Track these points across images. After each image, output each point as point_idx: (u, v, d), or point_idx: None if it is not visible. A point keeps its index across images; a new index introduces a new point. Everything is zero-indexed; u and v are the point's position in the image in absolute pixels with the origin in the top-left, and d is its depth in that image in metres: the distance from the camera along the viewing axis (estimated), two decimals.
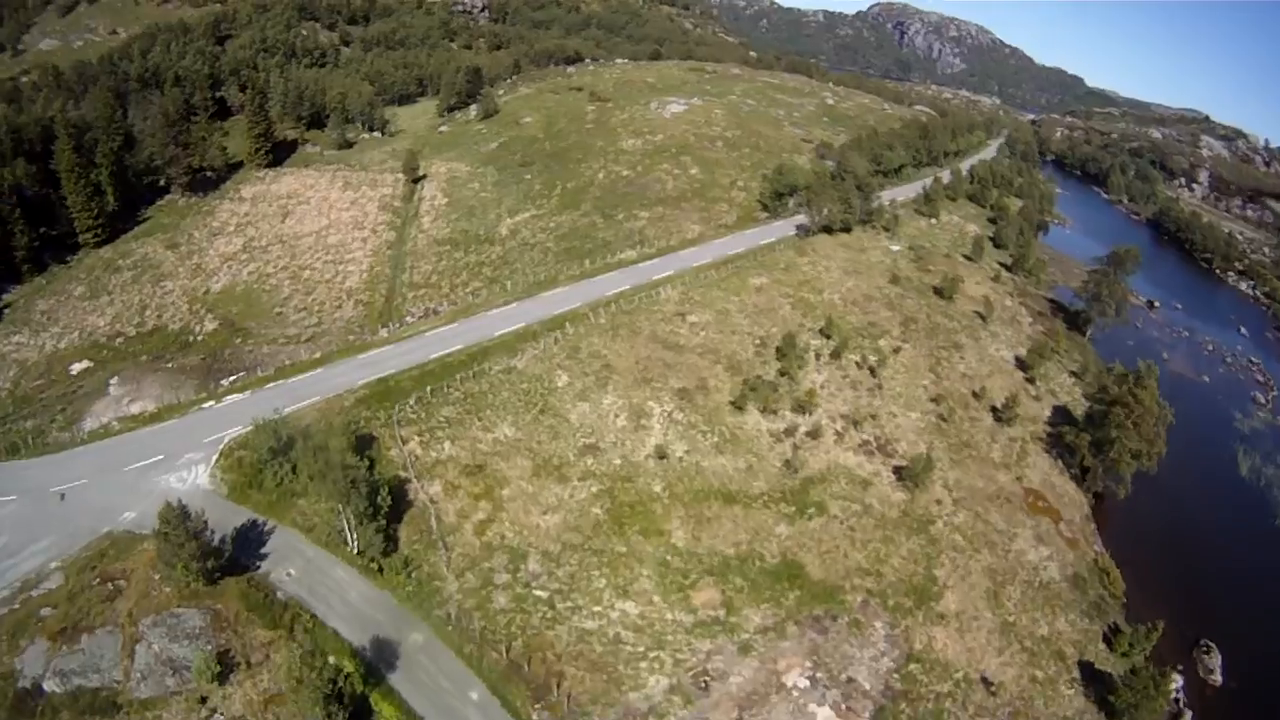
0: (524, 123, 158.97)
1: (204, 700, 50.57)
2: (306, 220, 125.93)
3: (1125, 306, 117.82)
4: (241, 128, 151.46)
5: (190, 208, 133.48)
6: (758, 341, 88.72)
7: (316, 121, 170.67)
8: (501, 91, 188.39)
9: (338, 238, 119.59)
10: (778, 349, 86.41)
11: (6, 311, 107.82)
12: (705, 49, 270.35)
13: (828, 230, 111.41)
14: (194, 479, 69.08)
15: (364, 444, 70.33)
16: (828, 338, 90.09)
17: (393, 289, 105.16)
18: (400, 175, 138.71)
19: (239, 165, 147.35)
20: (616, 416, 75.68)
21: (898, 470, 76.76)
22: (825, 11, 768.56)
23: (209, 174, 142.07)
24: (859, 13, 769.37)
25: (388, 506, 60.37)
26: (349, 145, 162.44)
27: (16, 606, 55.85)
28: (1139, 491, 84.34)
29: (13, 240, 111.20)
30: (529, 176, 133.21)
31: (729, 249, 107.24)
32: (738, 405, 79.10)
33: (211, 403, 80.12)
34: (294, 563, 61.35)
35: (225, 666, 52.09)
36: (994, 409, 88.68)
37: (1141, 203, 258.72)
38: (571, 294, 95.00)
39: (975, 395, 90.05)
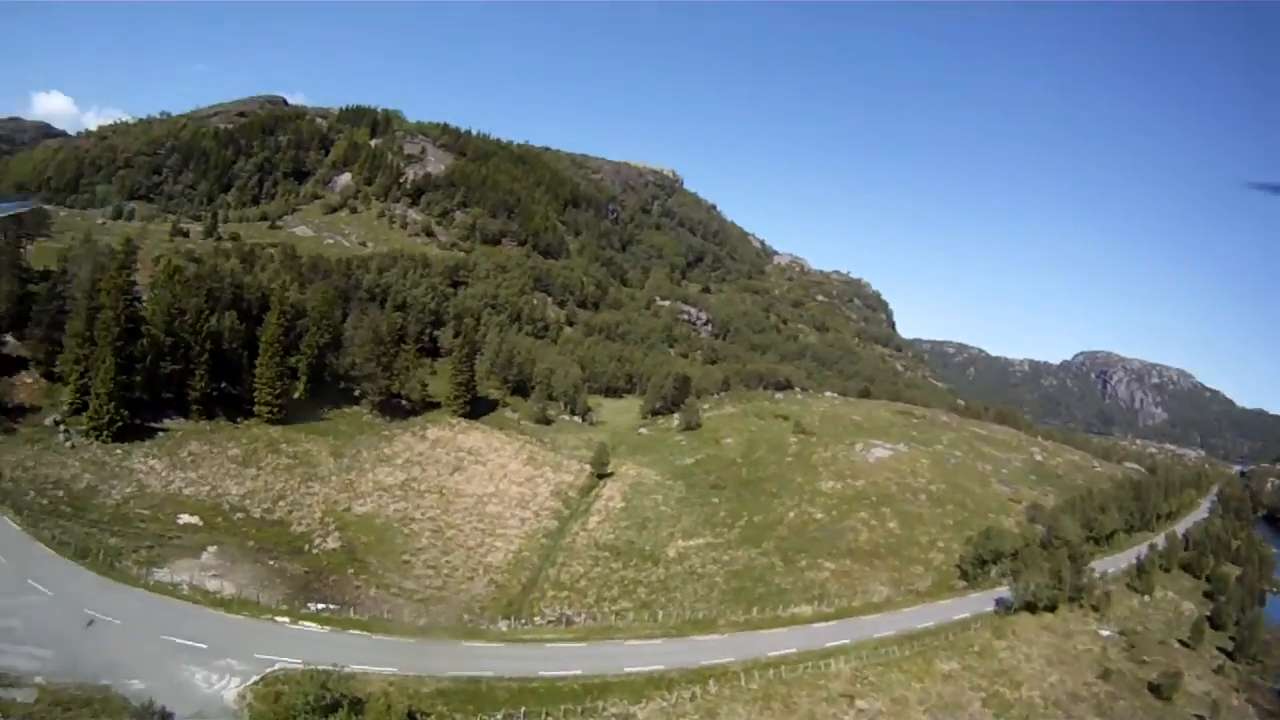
0: (724, 443, 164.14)
1: None
2: (475, 481, 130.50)
3: None
4: (447, 371, 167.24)
5: (372, 426, 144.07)
6: None
7: (521, 389, 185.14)
8: (707, 406, 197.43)
9: (498, 509, 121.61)
10: None
11: (161, 435, 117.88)
12: (914, 392, 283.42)
13: (1030, 608, 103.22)
14: (221, 688, 65.06)
15: None
16: None
17: (534, 581, 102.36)
18: (586, 467, 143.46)
19: (436, 405, 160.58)
20: None
21: None
22: (1031, 361, 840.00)
23: (404, 403, 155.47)
24: (1064, 362, 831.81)
25: None
26: (547, 422, 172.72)
27: None
28: None
29: (192, 379, 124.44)
30: (716, 500, 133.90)
31: (918, 621, 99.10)
32: None
33: (286, 620, 78.65)
34: None
35: None
36: None
37: None
38: (728, 645, 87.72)
39: None
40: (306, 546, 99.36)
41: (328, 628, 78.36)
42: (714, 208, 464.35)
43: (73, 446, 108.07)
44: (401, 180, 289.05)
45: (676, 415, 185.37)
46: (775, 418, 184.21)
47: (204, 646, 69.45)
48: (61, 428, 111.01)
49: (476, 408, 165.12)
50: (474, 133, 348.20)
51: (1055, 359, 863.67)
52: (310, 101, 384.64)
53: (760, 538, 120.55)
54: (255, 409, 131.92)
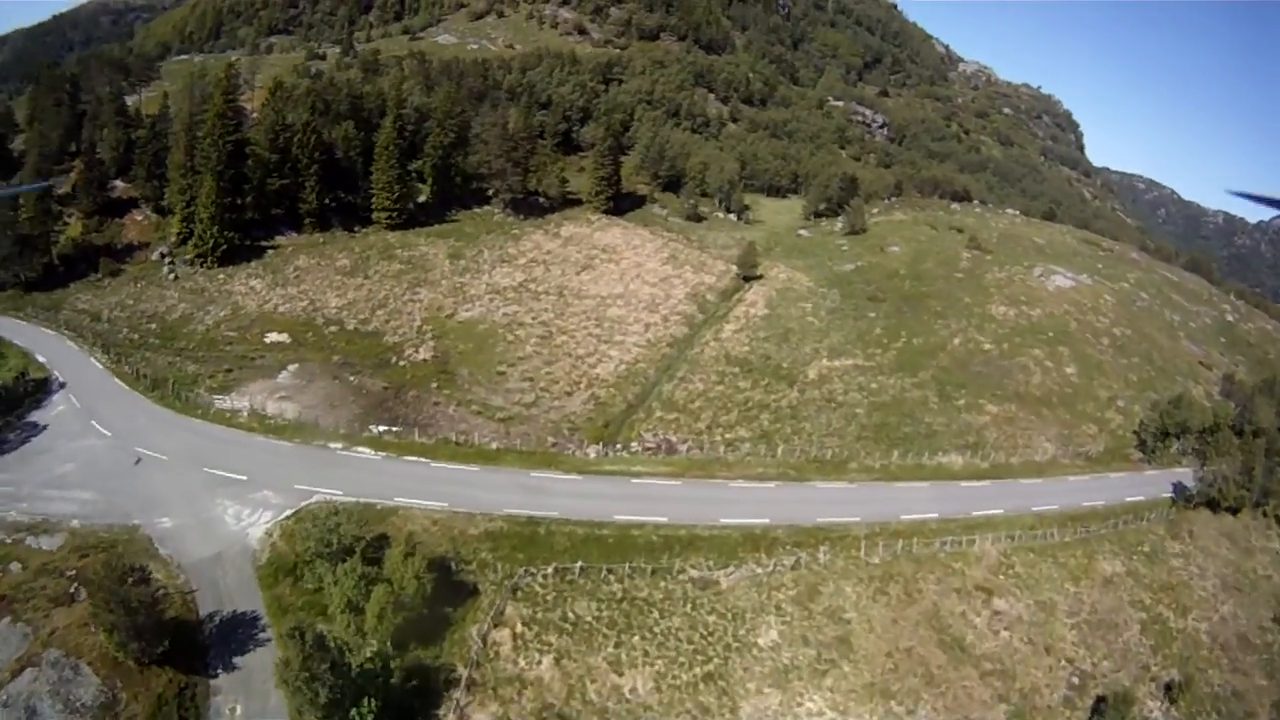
0: (889, 251, 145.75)
1: None
2: (602, 281, 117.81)
3: None
4: (592, 167, 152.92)
5: (501, 226, 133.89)
6: (1077, 676, 59.81)
7: (673, 186, 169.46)
8: (875, 210, 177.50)
9: (621, 312, 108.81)
10: (1099, 701, 57.41)
11: (270, 253, 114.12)
12: (1101, 223, 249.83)
13: (1212, 505, 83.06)
14: (248, 524, 60.07)
15: (453, 593, 54.56)
16: (1173, 703, 60.63)
17: (643, 398, 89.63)
18: (732, 268, 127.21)
19: (578, 203, 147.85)
20: None
21: None
22: (1226, 214, 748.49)
23: (541, 200, 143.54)
24: (1261, 223, 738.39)
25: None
26: (699, 219, 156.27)
27: (9, 541, 56.27)
28: None
29: (303, 193, 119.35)
30: (873, 315, 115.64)
31: (1085, 496, 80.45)
32: None
33: (339, 445, 71.49)
34: (251, 702, 47.56)
35: None
36: None
37: None
38: (854, 497, 72.58)
39: None
40: (395, 358, 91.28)
41: (383, 454, 70.59)
42: (894, 7, 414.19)
43: (175, 277, 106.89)
44: None
45: (840, 218, 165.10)
46: (948, 229, 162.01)
47: (244, 478, 64.64)
48: (167, 259, 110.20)
49: (621, 205, 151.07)
50: None
51: (1252, 217, 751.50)
52: None
53: (917, 364, 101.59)
54: (374, 216, 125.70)
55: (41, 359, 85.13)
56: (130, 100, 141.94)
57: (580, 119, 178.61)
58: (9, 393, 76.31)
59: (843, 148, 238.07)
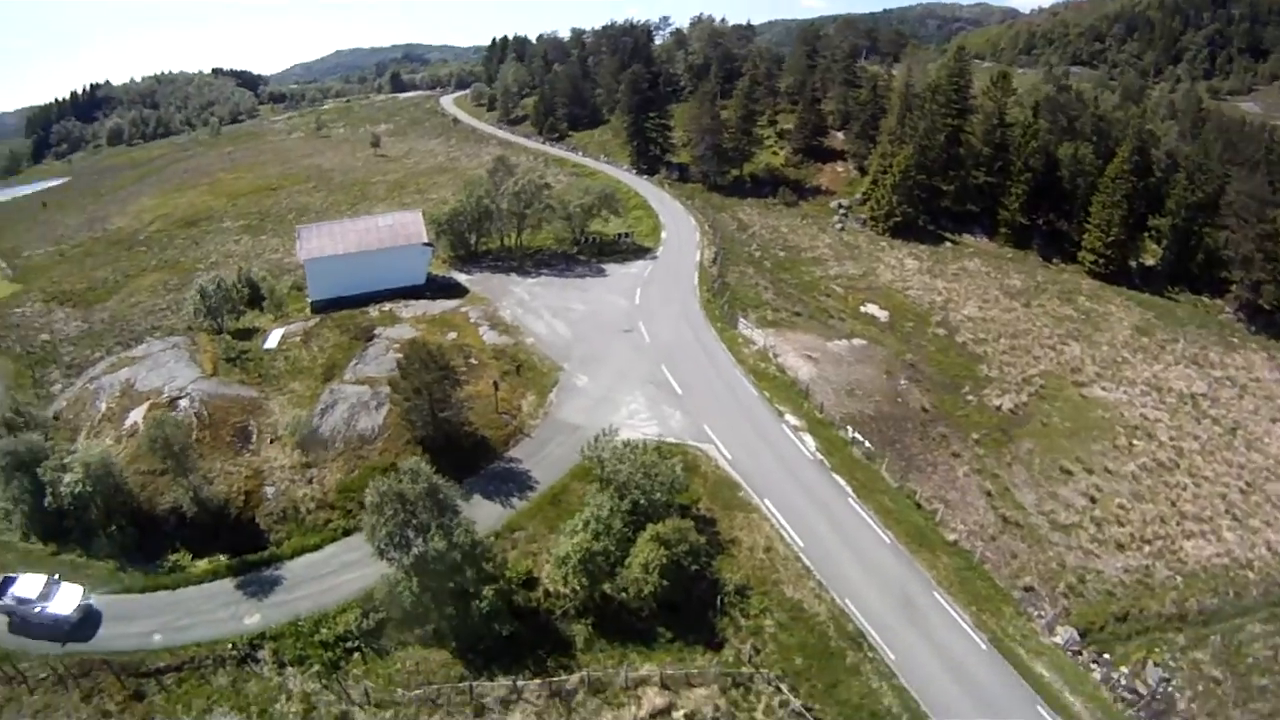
0: None
1: None
2: None
3: None
4: None
5: (1222, 327, 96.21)
6: None
7: None
8: None
9: None
10: None
11: (947, 245, 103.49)
12: None
13: None
14: (628, 422, 55.45)
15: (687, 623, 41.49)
16: None
17: (1207, 620, 52.42)
18: None
19: None
20: None
21: None
22: None
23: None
24: None
25: None
26: None
27: (473, 321, 67.43)
28: None
29: (1006, 199, 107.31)
30: None
31: None
32: None
33: (795, 420, 59.11)
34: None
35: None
36: None
37: None
38: None
39: None
40: (968, 389, 70.98)
41: (822, 457, 54.84)
42: None
43: (841, 229, 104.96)
44: None
45: None
46: None
47: (680, 393, 60.06)
48: (841, 211, 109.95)
49: None
50: None
51: None
52: None
53: None
54: (1079, 255, 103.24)
55: (664, 235, 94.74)
56: (882, 71, 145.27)
57: None
58: (606, 241, 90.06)
59: None
